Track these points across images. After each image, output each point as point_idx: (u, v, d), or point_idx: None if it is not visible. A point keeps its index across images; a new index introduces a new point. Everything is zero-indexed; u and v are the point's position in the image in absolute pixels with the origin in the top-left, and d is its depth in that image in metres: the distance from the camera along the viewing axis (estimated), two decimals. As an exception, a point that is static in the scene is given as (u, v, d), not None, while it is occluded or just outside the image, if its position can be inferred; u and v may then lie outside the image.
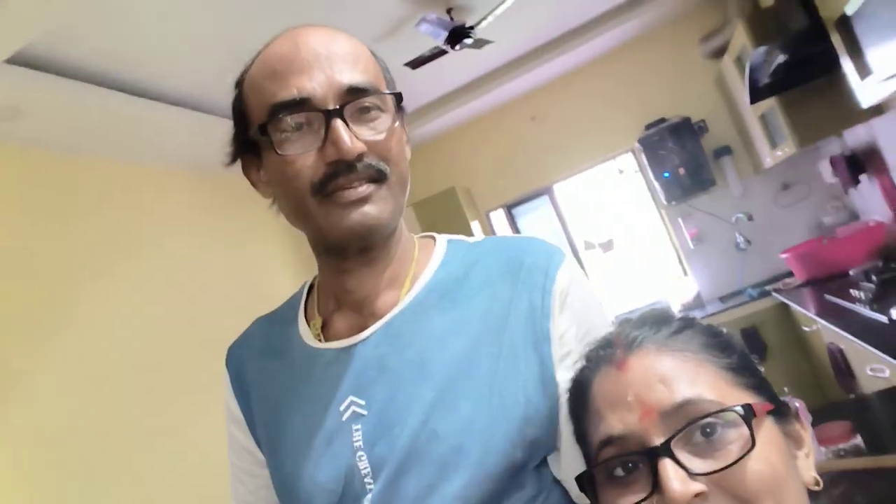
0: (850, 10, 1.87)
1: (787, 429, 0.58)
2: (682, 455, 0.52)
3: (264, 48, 0.73)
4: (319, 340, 0.78)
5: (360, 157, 0.67)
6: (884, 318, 2.11)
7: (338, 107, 0.67)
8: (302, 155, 0.68)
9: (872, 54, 1.88)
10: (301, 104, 0.67)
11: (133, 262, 2.83)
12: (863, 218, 3.61)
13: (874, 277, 2.59)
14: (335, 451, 0.71)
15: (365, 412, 0.70)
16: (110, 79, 2.39)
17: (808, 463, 0.59)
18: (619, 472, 0.56)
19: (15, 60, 1.98)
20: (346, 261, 0.75)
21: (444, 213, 4.29)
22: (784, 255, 3.54)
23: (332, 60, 0.68)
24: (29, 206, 2.46)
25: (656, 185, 4.22)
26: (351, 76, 0.68)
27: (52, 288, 2.42)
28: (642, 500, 0.53)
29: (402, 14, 2.89)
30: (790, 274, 3.64)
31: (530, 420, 0.67)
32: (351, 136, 0.66)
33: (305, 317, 0.82)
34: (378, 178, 0.70)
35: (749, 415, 0.53)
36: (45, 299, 2.39)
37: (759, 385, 0.59)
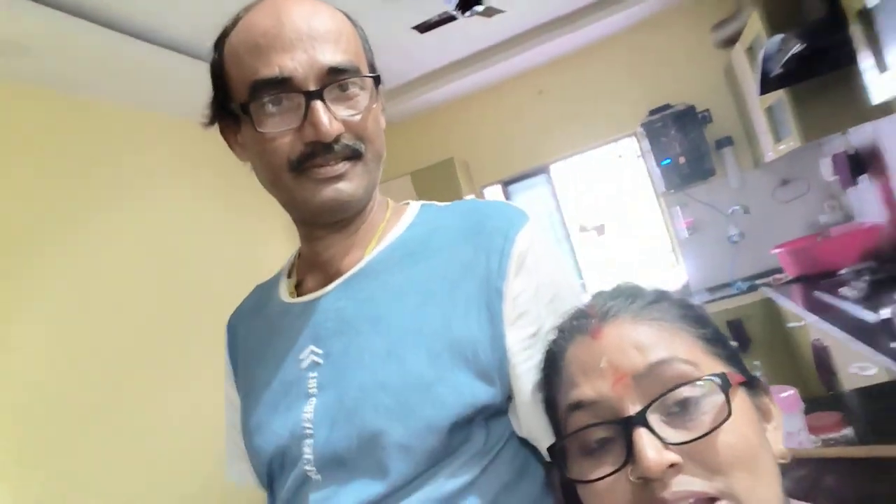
0: (871, 1, 1.84)
1: (758, 401, 0.58)
2: (656, 424, 0.52)
3: (245, 13, 0.74)
4: (293, 297, 0.83)
5: (337, 137, 0.70)
6: (874, 316, 2.11)
7: (318, 88, 0.69)
8: (280, 133, 0.70)
9: (891, 48, 1.85)
10: (282, 83, 0.69)
11: (127, 207, 2.80)
12: (858, 219, 3.61)
13: (866, 277, 2.60)
14: (291, 397, 0.74)
15: (321, 361, 0.73)
16: (115, 20, 2.33)
17: (777, 436, 0.59)
18: (594, 444, 0.56)
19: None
20: (318, 228, 0.79)
21: (440, 184, 4.27)
22: (776, 251, 3.54)
23: (314, 39, 0.70)
24: (27, 142, 2.41)
25: (656, 171, 4.20)
26: (332, 56, 0.70)
27: (43, 225, 2.38)
28: (616, 471, 0.53)
29: (414, -26, 2.82)
30: (780, 270, 3.64)
31: (478, 376, 0.68)
32: (330, 118, 0.69)
33: (288, 278, 0.88)
34: (354, 156, 0.73)
35: (726, 384, 0.53)
36: (36, 234, 2.35)
37: (732, 357, 0.59)
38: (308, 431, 0.70)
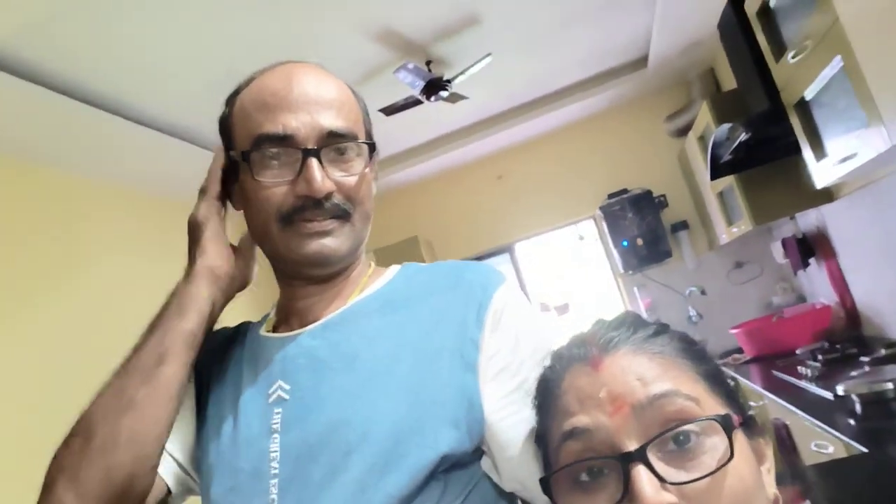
0: (808, 94, 1.97)
1: (754, 444, 0.57)
2: (655, 462, 0.50)
3: (259, 75, 0.79)
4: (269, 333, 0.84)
5: (328, 195, 0.74)
6: (829, 395, 2.14)
7: (315, 147, 0.73)
8: (275, 184, 0.74)
9: (828, 137, 1.97)
10: (284, 139, 0.73)
11: (74, 280, 2.73)
12: (810, 300, 3.72)
13: (820, 357, 2.66)
14: (254, 432, 0.73)
15: (288, 396, 0.74)
16: (75, 88, 2.35)
17: (770, 478, 0.58)
18: (584, 476, 0.53)
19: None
20: (301, 282, 0.81)
21: (405, 262, 4.27)
22: (734, 331, 3.61)
23: (318, 104, 0.75)
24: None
25: (615, 252, 4.31)
26: (333, 122, 0.75)
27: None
28: None
29: (381, 60, 2.94)
30: (740, 350, 3.70)
31: (446, 423, 0.68)
32: (323, 176, 0.73)
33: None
34: (342, 215, 0.76)
35: (729, 425, 0.51)
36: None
37: (731, 395, 0.58)
38: (273, 470, 0.69)
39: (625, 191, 4.30)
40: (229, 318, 0.89)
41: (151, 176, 3.10)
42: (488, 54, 3.00)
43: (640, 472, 0.49)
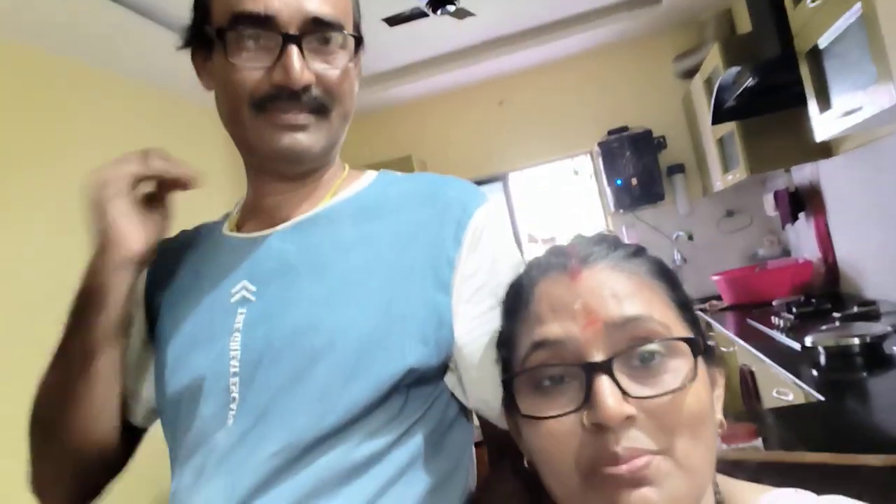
0: (822, 42, 1.92)
1: (710, 371, 0.59)
2: (619, 376, 0.51)
3: None
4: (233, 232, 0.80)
5: (306, 87, 0.69)
6: (797, 346, 2.20)
7: (298, 34, 0.68)
8: (250, 68, 0.68)
9: (835, 90, 1.94)
10: (264, 21, 0.67)
11: (64, 162, 2.70)
12: (794, 255, 3.76)
13: (794, 310, 2.71)
14: (215, 330, 0.71)
15: (254, 298, 0.71)
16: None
17: (719, 405, 0.60)
18: (546, 381, 0.55)
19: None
20: (269, 177, 0.77)
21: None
22: (715, 278, 3.66)
23: None
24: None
25: (608, 190, 4.30)
26: (319, 7, 0.69)
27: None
28: (570, 412, 0.52)
29: (389, -34, 2.82)
30: (718, 297, 3.76)
31: (413, 337, 0.67)
32: (302, 66, 0.68)
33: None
34: (319, 110, 0.71)
35: (696, 348, 0.53)
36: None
37: (696, 324, 0.60)
38: (234, 369, 0.68)
39: (625, 128, 4.24)
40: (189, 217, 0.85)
41: (146, 66, 3.02)
42: (501, -29, 2.88)
43: (604, 382, 0.50)
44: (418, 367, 0.67)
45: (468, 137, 4.69)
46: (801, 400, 1.91)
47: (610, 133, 4.27)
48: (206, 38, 0.72)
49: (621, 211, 4.32)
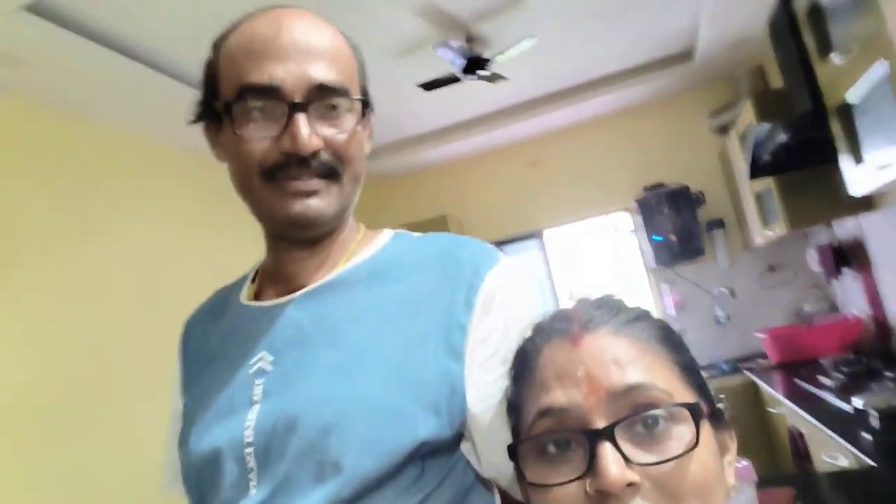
0: (851, 98, 1.91)
1: (719, 435, 0.58)
2: (622, 442, 0.51)
3: (247, 18, 0.73)
4: (252, 301, 0.81)
5: (315, 153, 0.69)
6: (848, 408, 2.10)
7: (304, 101, 0.68)
8: (258, 138, 0.69)
9: (868, 144, 1.92)
10: (269, 91, 0.68)
11: (114, 228, 2.82)
12: (842, 310, 3.63)
13: (844, 369, 2.60)
14: (234, 403, 0.71)
15: (271, 368, 0.71)
16: (118, 41, 2.39)
17: (730, 470, 0.59)
18: (552, 448, 0.54)
19: (33, 9, 1.99)
20: (286, 243, 0.77)
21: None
22: (761, 335, 3.55)
23: (308, 54, 0.69)
24: (20, 153, 2.45)
25: (647, 246, 4.26)
26: (324, 74, 0.70)
27: (31, 236, 2.41)
28: (573, 480, 0.52)
29: (422, 35, 2.93)
30: (764, 355, 3.64)
31: (426, 407, 0.66)
32: (310, 133, 0.68)
33: (251, 283, 0.85)
34: (330, 175, 0.71)
35: (698, 414, 0.53)
36: (24, 244, 2.37)
37: (702, 387, 0.59)
38: (248, 439, 0.68)
39: (661, 185, 4.23)
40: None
41: (182, 130, 3.15)
42: (530, 36, 2.97)
43: (607, 449, 0.50)
44: (430, 439, 0.66)
45: (503, 196, 4.74)
46: (854, 464, 1.82)
47: (646, 189, 4.26)
48: (216, 112, 0.74)
49: (661, 267, 4.26)
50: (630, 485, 0.49)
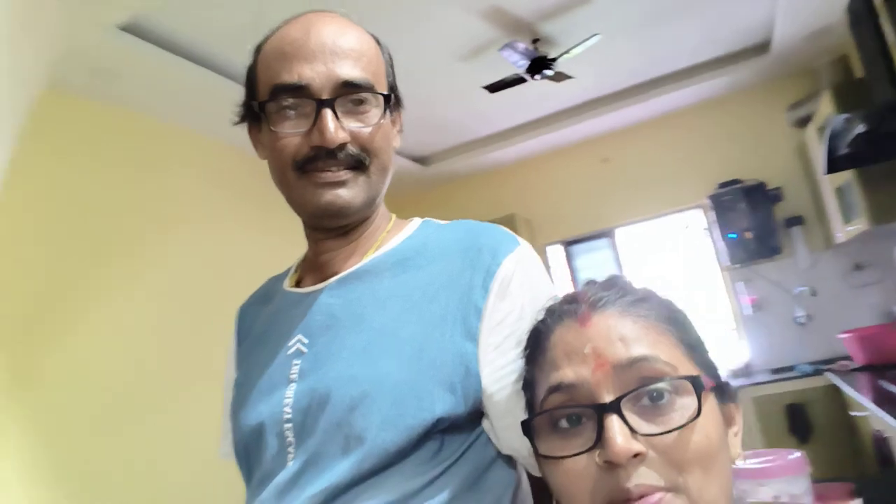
0: (934, 86, 1.83)
1: (724, 407, 0.60)
2: (628, 415, 0.54)
3: (283, 25, 0.80)
4: (293, 288, 0.88)
5: (341, 146, 0.75)
6: (933, 411, 2.01)
7: (330, 97, 0.74)
8: (291, 134, 0.75)
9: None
10: (299, 89, 0.74)
11: (185, 230, 2.98)
12: (935, 311, 3.44)
13: (934, 371, 2.47)
14: (275, 381, 0.78)
15: (306, 350, 0.78)
16: (198, 54, 2.58)
17: (736, 441, 0.61)
18: (564, 423, 0.58)
19: (126, 28, 2.18)
20: (320, 232, 0.84)
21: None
22: (844, 336, 3.40)
23: (335, 54, 0.76)
24: (107, 156, 2.65)
25: (721, 244, 4.15)
26: (349, 71, 0.76)
27: (114, 237, 2.60)
28: (583, 452, 0.55)
29: (487, 37, 2.98)
30: (847, 356, 3.48)
31: (443, 386, 0.71)
32: (336, 127, 0.74)
33: (294, 273, 0.93)
34: (357, 166, 0.77)
35: (699, 386, 0.55)
36: (107, 245, 2.56)
37: (708, 364, 0.62)
38: (287, 415, 0.74)
39: (737, 181, 4.10)
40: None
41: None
42: (596, 34, 2.96)
43: (613, 422, 0.53)
44: (447, 416, 0.71)
45: (572, 195, 4.72)
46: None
47: (721, 186, 4.15)
48: (255, 113, 0.80)
49: (736, 266, 4.14)
50: (636, 455, 0.52)
